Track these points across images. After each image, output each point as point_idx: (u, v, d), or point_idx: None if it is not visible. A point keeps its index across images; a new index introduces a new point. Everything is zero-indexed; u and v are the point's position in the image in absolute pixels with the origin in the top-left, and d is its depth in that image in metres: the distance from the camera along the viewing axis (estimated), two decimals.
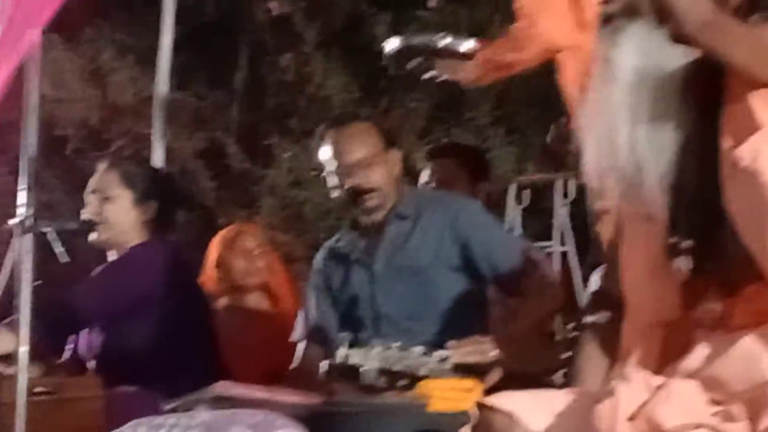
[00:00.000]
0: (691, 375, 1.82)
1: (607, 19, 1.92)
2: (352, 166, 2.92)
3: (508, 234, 2.90)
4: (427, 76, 3.32)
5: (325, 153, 2.98)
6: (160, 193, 3.10)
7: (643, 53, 1.89)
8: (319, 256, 3.10)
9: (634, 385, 1.80)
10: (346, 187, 2.94)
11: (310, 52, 6.95)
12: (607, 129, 1.89)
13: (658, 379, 1.82)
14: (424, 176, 3.63)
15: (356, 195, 2.93)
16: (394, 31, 6.76)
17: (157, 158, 3.68)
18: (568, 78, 3.12)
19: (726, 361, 1.82)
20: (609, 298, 2.07)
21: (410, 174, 3.91)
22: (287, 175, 6.79)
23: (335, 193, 2.98)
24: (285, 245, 6.72)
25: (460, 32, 6.64)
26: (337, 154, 2.95)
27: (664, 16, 1.80)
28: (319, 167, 3.02)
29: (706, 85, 1.89)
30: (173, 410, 2.49)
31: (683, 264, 1.85)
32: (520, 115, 7.09)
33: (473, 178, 3.57)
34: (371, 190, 2.92)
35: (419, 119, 6.78)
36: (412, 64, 3.27)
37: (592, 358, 2.11)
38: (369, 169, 2.93)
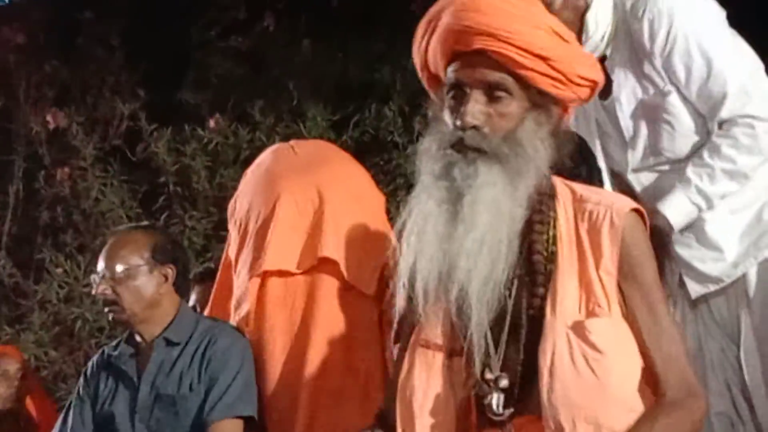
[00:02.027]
0: None
1: (460, 145, 2.02)
2: (100, 274, 2.91)
3: (244, 385, 2.87)
4: None
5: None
6: None
7: (494, 204, 2.00)
8: (94, 361, 3.05)
9: None
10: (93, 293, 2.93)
11: (87, 167, 6.85)
12: (442, 263, 2.00)
13: None
14: (192, 300, 3.63)
15: (104, 305, 2.92)
16: (173, 149, 6.83)
17: None
18: None
19: None
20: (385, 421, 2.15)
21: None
22: (59, 290, 6.61)
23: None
24: (55, 363, 6.51)
25: (241, 152, 6.76)
26: (99, 260, 2.95)
27: None
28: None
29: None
30: None
31: (496, 400, 1.96)
32: None
33: None
34: (113, 303, 2.90)
35: (198, 237, 6.75)
36: None
37: None
38: (115, 281, 2.90)
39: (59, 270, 6.68)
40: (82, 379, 3.04)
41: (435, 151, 2.06)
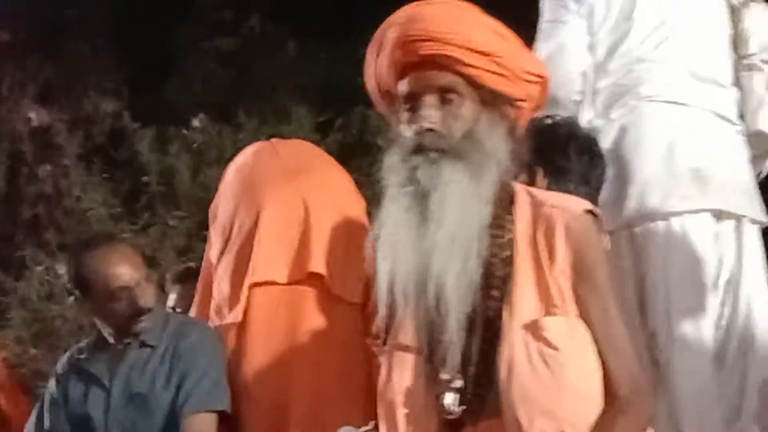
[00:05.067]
0: None
1: (421, 149, 2.04)
2: (140, 282, 2.88)
3: (216, 380, 2.87)
4: None
5: (95, 272, 2.89)
6: None
7: (461, 200, 2.01)
8: (61, 364, 3.03)
9: None
10: (125, 306, 2.87)
11: (70, 165, 6.85)
12: (417, 262, 2.00)
13: None
14: (171, 300, 3.61)
15: (135, 315, 2.88)
16: (157, 148, 6.83)
17: None
18: None
19: None
20: None
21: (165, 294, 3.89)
22: (40, 288, 6.60)
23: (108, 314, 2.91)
24: (34, 360, 6.50)
25: (225, 153, 6.77)
26: (115, 274, 2.88)
27: None
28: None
29: None
30: None
31: (451, 400, 1.98)
32: None
33: None
34: (149, 311, 2.90)
35: (180, 237, 6.75)
36: None
37: None
38: (147, 290, 2.91)
39: (40, 267, 6.67)
40: (53, 381, 3.02)
41: (398, 162, 2.10)
